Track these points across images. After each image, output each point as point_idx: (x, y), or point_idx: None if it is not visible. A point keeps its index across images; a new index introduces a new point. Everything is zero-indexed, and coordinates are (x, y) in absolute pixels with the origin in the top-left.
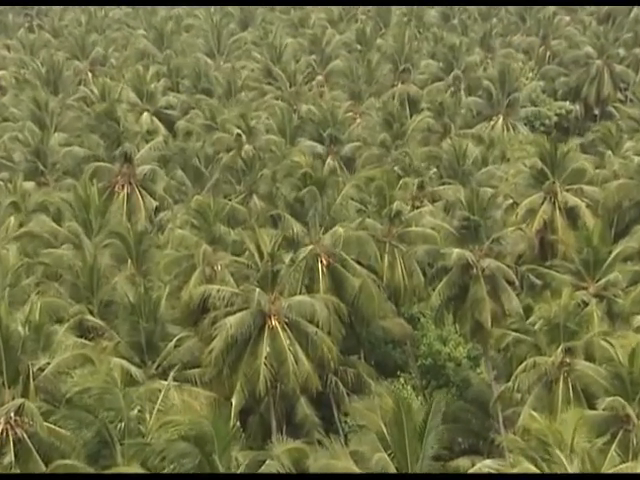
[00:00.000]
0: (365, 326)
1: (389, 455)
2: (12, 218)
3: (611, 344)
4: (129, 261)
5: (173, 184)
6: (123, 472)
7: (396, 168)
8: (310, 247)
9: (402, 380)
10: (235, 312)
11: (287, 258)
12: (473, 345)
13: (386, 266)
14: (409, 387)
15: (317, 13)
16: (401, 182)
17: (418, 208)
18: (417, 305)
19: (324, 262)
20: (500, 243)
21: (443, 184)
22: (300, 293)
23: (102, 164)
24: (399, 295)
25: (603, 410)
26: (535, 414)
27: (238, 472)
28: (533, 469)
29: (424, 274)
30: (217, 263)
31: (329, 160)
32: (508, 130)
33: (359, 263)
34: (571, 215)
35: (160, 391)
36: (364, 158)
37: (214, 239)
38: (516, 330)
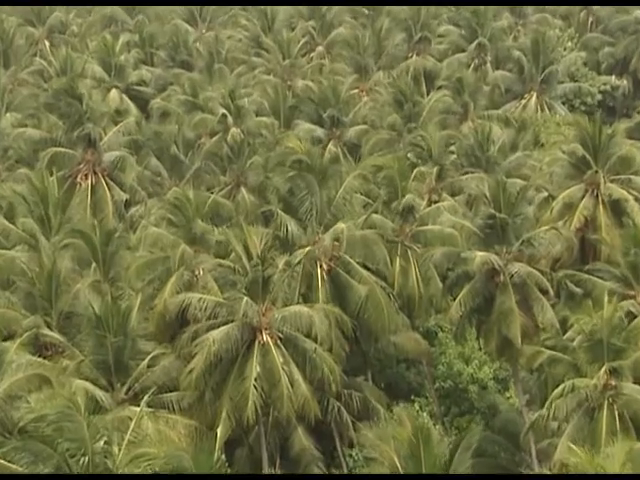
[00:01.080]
0: (373, 342)
1: None
2: None
3: None
4: (94, 265)
5: (146, 174)
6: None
7: (409, 155)
8: (308, 249)
9: (417, 406)
10: (219, 325)
11: (281, 262)
12: (500, 365)
13: (397, 271)
14: (425, 414)
15: None
16: (415, 171)
17: (435, 203)
18: (434, 317)
19: (324, 266)
20: (532, 244)
21: (464, 174)
22: (296, 303)
23: (62, 150)
24: (413, 305)
25: None
26: (574, 447)
27: None
28: None
29: (442, 281)
30: (198, 267)
31: (330, 146)
32: (542, 110)
33: (366, 267)
34: (617, 210)
35: (131, 419)
36: (372, 143)
37: (194, 239)
38: (551, 347)
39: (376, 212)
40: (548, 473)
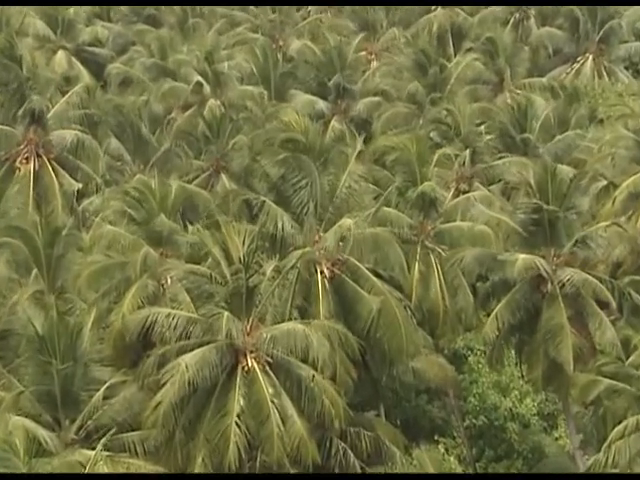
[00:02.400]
0: (387, 368)
1: None
2: None
3: None
4: (35, 271)
5: (104, 157)
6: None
7: (432, 134)
8: (304, 250)
9: (442, 448)
10: (193, 347)
11: (270, 267)
12: (547, 397)
13: (416, 279)
14: (452, 458)
15: None
16: (439, 154)
17: (464, 193)
18: (463, 337)
19: (325, 273)
20: (588, 245)
21: (501, 158)
22: (289, 319)
23: None
24: (436, 322)
25: None
26: None
27: None
28: None
29: (474, 291)
30: (165, 275)
31: (334, 122)
32: (600, 77)
33: (377, 274)
34: None
35: (83, 465)
36: (385, 119)
37: (160, 239)
38: (611, 375)
39: (389, 205)
40: None
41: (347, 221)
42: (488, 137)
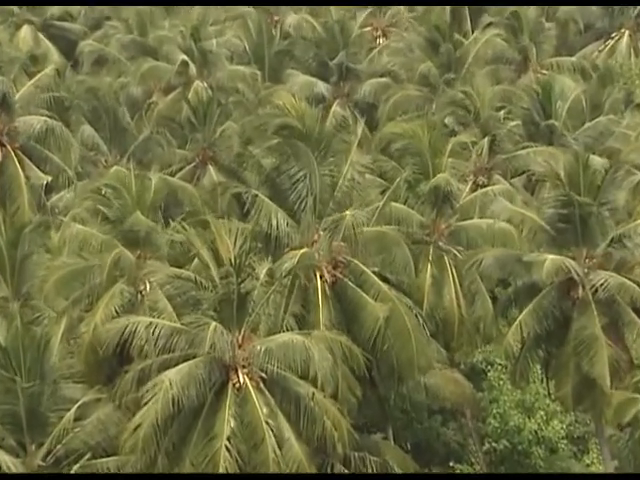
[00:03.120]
0: (395, 384)
1: None
2: None
3: None
4: None
5: (76, 147)
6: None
7: (447, 120)
8: (302, 252)
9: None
10: (177, 362)
11: (263, 270)
12: (578, 418)
13: (429, 284)
14: None
15: None
16: (454, 142)
17: (483, 186)
18: (482, 350)
19: (326, 277)
20: (625, 245)
21: (525, 147)
22: (286, 329)
23: None
24: (451, 333)
25: None
26: None
27: None
28: None
29: (493, 298)
30: (144, 280)
31: (336, 107)
32: (638, 55)
33: (384, 279)
34: None
35: None
36: (393, 103)
37: (138, 239)
38: None
39: (398, 200)
40: None
41: (349, 218)
42: (510, 123)
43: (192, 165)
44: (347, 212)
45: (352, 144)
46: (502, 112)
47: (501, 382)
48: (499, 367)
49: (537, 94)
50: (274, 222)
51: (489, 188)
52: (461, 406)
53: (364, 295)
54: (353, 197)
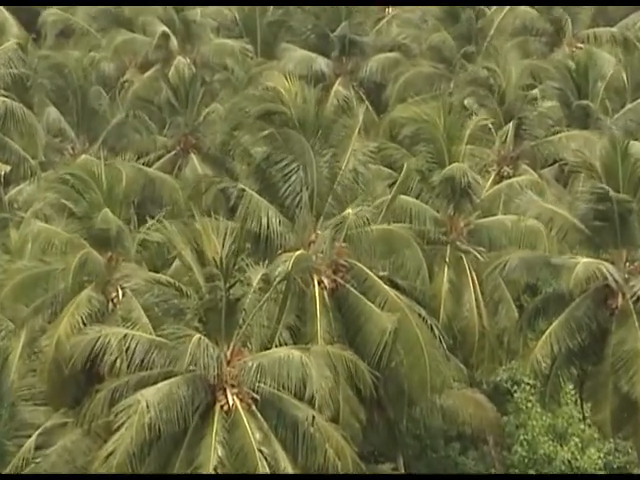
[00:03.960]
0: (406, 407)
1: None
2: None
3: None
4: None
5: (40, 132)
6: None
7: (467, 101)
8: (298, 253)
9: None
10: (156, 381)
11: (255, 276)
12: (617, 446)
13: (445, 290)
14: None
15: None
16: (474, 126)
17: (508, 178)
18: (507, 366)
19: (325, 283)
20: None
21: (556, 133)
22: (280, 343)
23: None
24: (471, 347)
25: None
26: None
27: None
28: None
29: (520, 306)
30: (117, 285)
31: (338, 86)
32: None
33: (392, 284)
34: None
35: None
36: (404, 82)
37: (109, 239)
38: None
39: (409, 193)
40: None
41: (352, 214)
42: (541, 105)
43: (172, 153)
44: (349, 208)
45: (353, 129)
46: (531, 92)
47: (529, 404)
48: (526, 387)
49: (571, 71)
50: (264, 220)
51: (515, 179)
52: (483, 432)
53: (369, 303)
54: (356, 191)
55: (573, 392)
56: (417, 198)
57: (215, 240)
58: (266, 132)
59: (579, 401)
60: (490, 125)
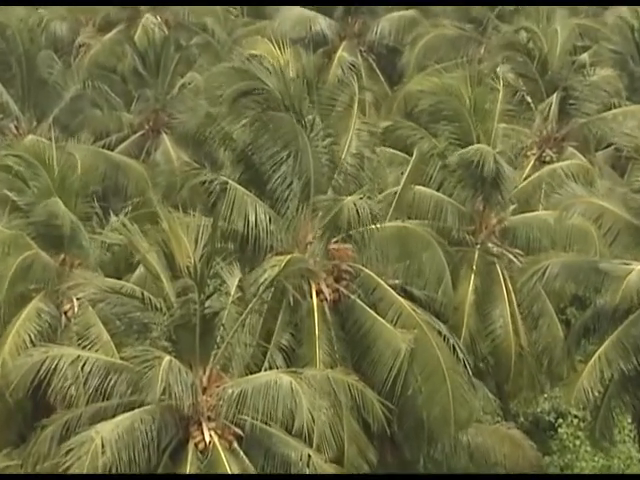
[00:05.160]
0: (426, 445)
1: None
2: None
3: None
4: None
5: None
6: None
7: (499, 69)
8: (290, 256)
9: None
10: (115, 413)
11: (234, 284)
12: None
13: (471, 302)
14: None
15: None
16: (508, 101)
17: (551, 164)
18: (549, 395)
19: (325, 292)
20: None
21: (611, 108)
22: (268, 367)
23: None
24: (506, 371)
25: None
26: None
27: None
28: None
29: (565, 321)
30: (72, 295)
31: (343, 52)
32: None
33: (409, 295)
34: None
35: None
36: (423, 46)
37: (64, 237)
38: None
39: (427, 183)
40: None
41: (357, 208)
42: (593, 73)
43: (140, 134)
44: (353, 200)
45: (361, 105)
46: (580, 57)
47: (577, 441)
48: (573, 420)
49: (633, 31)
50: (251, 217)
51: (559, 165)
52: (520, 473)
53: (379, 319)
54: (362, 180)
55: (630, 426)
56: (438, 189)
57: (187, 242)
58: (250, 113)
59: (637, 437)
60: (529, 99)
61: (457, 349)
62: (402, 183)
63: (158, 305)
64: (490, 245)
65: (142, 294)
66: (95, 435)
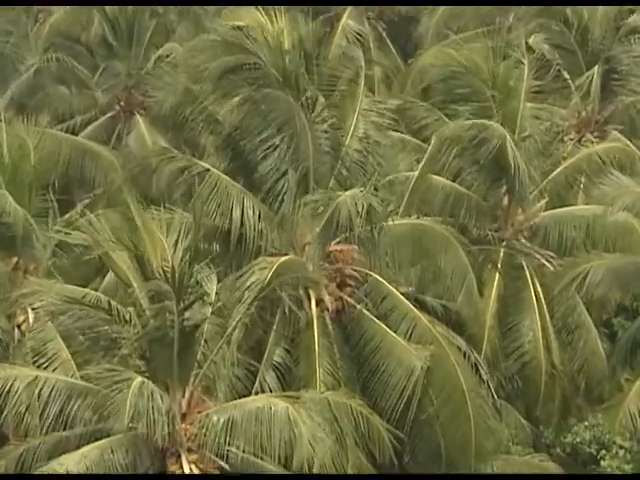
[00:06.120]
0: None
1: None
2: None
3: None
4: None
5: None
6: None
7: (534, 40)
8: (284, 259)
9: None
10: (79, 444)
11: (211, 291)
12: None
13: (494, 311)
14: None
15: None
16: (538, 73)
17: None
18: (589, 423)
19: (326, 302)
20: None
21: None
22: (262, 389)
23: None
24: (537, 393)
25: None
26: None
27: None
28: None
29: (609, 335)
30: (26, 305)
31: (348, 19)
32: None
33: (422, 304)
34: None
35: None
36: (442, 13)
37: (17, 238)
38: None
39: (443, 172)
40: None
41: (364, 201)
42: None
43: (109, 115)
44: (358, 193)
45: (360, 80)
46: (626, 22)
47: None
48: (619, 451)
49: None
50: (237, 213)
51: (600, 150)
52: None
53: (390, 332)
54: (368, 168)
55: None
56: (454, 180)
57: (164, 241)
58: (238, 92)
59: None
60: (566, 74)
61: (480, 367)
62: (417, 173)
63: (128, 317)
64: (517, 245)
65: (109, 304)
66: (59, 468)
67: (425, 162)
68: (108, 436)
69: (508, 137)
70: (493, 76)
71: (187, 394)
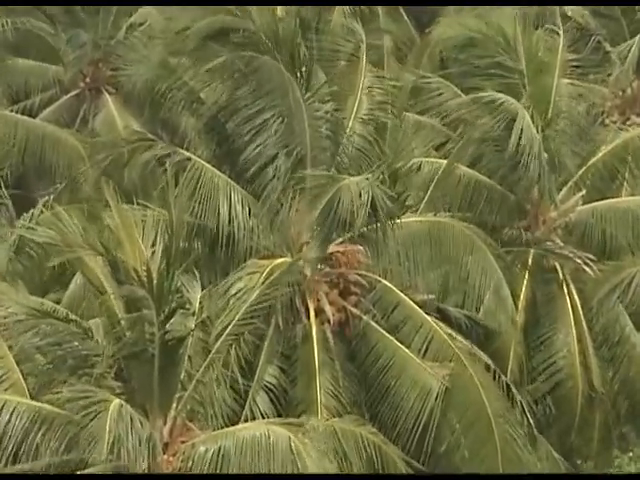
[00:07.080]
0: None
1: None
2: None
3: None
4: None
5: None
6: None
7: (571, 9)
8: (277, 262)
9: None
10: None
11: (194, 299)
12: None
13: (522, 322)
14: None
15: None
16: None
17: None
18: (635, 453)
19: (328, 313)
20: None
21: None
22: (253, 415)
23: None
24: (572, 419)
25: None
26: None
27: None
28: None
29: None
30: None
31: None
32: None
33: (442, 315)
34: None
35: None
36: None
37: None
38: None
39: (465, 160)
40: None
41: (371, 194)
42: None
43: (73, 94)
44: (365, 180)
45: (361, 53)
46: None
47: None
48: None
49: None
50: (224, 208)
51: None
52: None
53: (402, 348)
54: (373, 156)
55: None
56: (483, 170)
57: (141, 243)
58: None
59: None
60: (608, 46)
61: (506, 388)
62: (445, 165)
63: (97, 332)
64: (550, 245)
65: (78, 318)
66: None
67: (455, 154)
68: (79, 469)
69: (521, 114)
70: (526, 48)
71: (169, 420)
